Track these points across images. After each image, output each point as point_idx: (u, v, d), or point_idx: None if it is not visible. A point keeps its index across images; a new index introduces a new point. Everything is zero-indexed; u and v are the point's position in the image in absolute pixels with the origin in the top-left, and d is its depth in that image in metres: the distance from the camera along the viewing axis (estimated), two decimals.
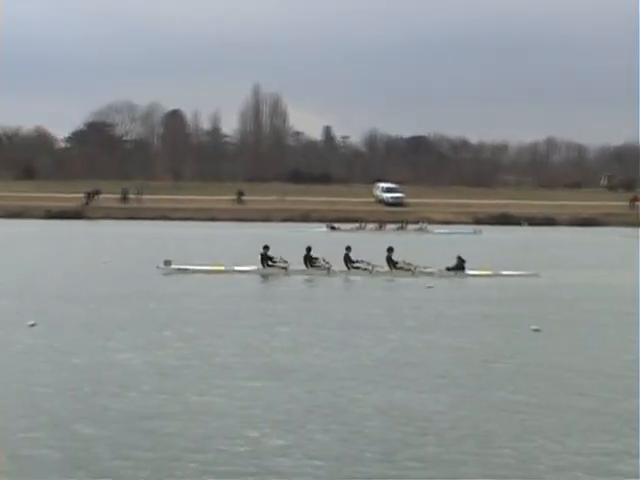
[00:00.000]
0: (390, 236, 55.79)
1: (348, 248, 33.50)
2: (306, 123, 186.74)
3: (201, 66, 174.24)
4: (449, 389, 15.25)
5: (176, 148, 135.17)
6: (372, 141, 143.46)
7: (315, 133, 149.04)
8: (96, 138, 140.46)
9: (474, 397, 14.74)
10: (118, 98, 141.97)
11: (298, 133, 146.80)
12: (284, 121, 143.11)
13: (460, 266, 33.04)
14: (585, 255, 46.25)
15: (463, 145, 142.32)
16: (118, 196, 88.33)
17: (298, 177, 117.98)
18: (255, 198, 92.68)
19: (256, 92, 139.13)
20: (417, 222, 72.30)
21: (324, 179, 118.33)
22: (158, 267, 32.24)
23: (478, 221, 79.06)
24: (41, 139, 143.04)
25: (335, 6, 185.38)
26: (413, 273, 32.73)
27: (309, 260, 33.40)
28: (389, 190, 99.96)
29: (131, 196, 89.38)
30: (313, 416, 13.48)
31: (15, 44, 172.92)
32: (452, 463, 11.46)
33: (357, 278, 32.33)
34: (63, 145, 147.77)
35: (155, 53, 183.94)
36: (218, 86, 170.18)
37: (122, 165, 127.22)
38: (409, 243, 48.20)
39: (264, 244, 33.65)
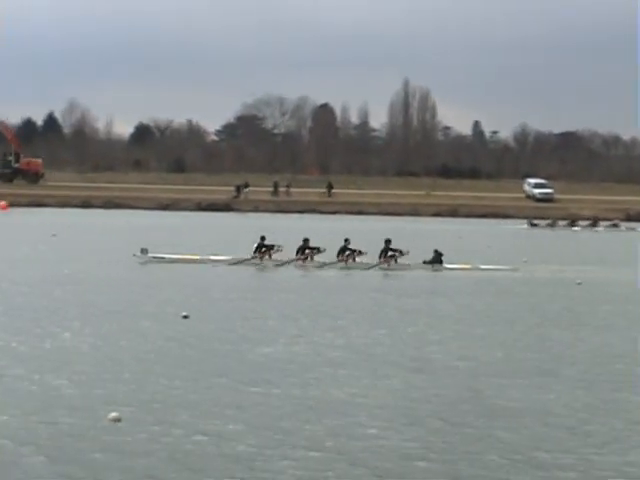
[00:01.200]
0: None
1: (346, 240, 33.76)
2: (455, 118, 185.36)
3: (350, 60, 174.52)
4: None
5: (324, 142, 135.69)
6: (522, 136, 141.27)
7: (464, 128, 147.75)
8: (246, 131, 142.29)
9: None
10: (268, 92, 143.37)
11: (447, 128, 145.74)
12: (433, 115, 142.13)
13: (437, 259, 33.41)
14: None
15: (615, 141, 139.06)
16: (267, 189, 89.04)
17: (446, 172, 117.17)
18: (403, 192, 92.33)
19: (405, 86, 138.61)
20: (565, 219, 70.84)
21: (473, 174, 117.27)
22: (135, 255, 32.46)
23: (629, 218, 76.91)
24: (192, 132, 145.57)
25: (482, 3, 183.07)
26: (389, 265, 33.05)
27: (302, 250, 33.72)
28: (539, 186, 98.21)
29: (280, 189, 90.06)
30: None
31: (173, 37, 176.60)
32: None
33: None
34: (213, 138, 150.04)
35: (305, 47, 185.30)
36: (367, 80, 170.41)
37: (271, 158, 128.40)
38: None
39: (261, 235, 34.00)
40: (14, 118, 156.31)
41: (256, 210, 77.44)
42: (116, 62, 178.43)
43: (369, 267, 32.91)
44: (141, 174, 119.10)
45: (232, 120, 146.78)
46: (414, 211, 78.75)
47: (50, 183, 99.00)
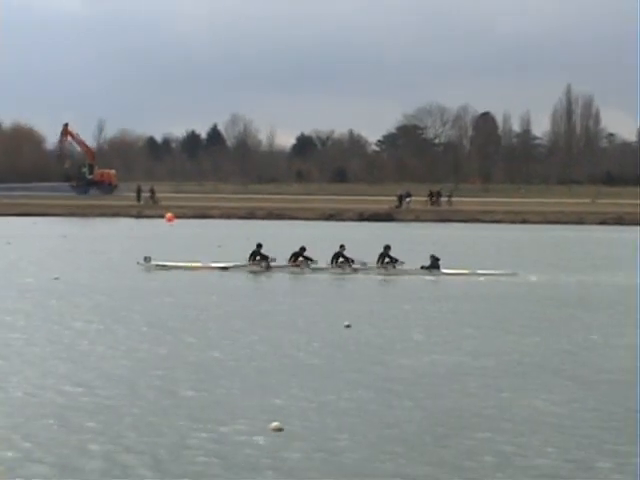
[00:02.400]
0: None
1: (341, 247, 34.02)
2: (619, 124, 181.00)
3: (511, 68, 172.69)
4: None
5: (486, 151, 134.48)
6: None
7: (629, 134, 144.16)
8: (407, 141, 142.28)
9: None
10: (429, 101, 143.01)
11: (611, 134, 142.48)
12: (596, 122, 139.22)
13: (434, 265, 33.37)
14: None
15: None
16: (428, 199, 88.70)
17: (610, 179, 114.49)
18: (566, 201, 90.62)
19: (568, 93, 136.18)
20: None
21: (638, 181, 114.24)
22: (138, 263, 33.20)
23: None
24: (353, 143, 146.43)
25: None
26: (387, 271, 33.31)
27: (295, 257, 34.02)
28: None
29: (442, 199, 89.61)
30: None
31: (332, 48, 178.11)
32: None
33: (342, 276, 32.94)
34: (374, 148, 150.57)
35: (465, 56, 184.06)
36: (528, 87, 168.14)
37: (432, 168, 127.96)
38: None
39: (258, 242, 34.46)
40: (179, 131, 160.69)
41: (417, 220, 77.16)
42: (277, 74, 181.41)
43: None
44: (303, 185, 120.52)
45: (393, 130, 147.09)
46: (579, 219, 76.99)
47: (215, 195, 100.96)
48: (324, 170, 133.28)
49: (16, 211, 75.57)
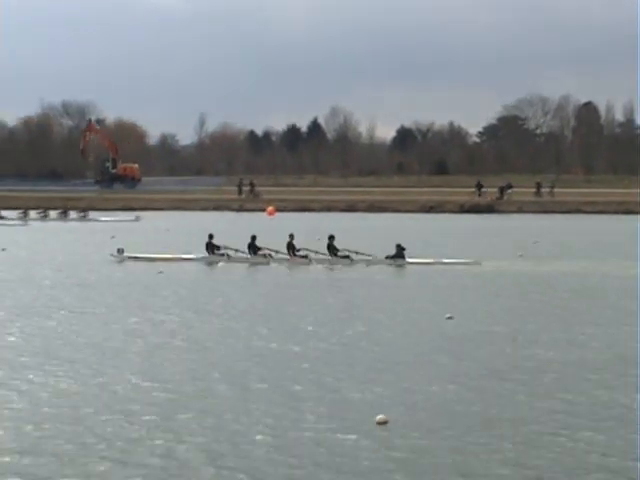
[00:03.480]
0: None
1: (291, 236, 34.44)
2: None
3: (614, 56, 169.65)
4: None
5: (588, 141, 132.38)
6: None
7: None
8: (507, 132, 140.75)
9: None
10: (529, 91, 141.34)
11: None
12: None
13: (400, 254, 33.28)
14: None
15: None
16: (530, 190, 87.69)
17: None
18: None
19: None
20: None
21: None
22: (112, 255, 34.45)
23: None
24: (453, 134, 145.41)
25: None
26: (352, 261, 33.39)
27: (252, 248, 34.53)
28: None
29: (543, 190, 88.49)
30: None
31: (431, 39, 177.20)
32: None
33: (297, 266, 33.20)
34: (475, 140, 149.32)
35: (565, 45, 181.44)
36: (632, 76, 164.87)
37: (533, 159, 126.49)
38: None
39: (209, 233, 35.02)
40: (279, 125, 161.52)
41: (520, 211, 76.38)
42: (376, 66, 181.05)
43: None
44: (404, 177, 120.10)
45: (493, 121, 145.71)
46: None
47: (315, 188, 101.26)
48: (424, 162, 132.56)
49: (119, 206, 76.81)
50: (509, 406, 13.66)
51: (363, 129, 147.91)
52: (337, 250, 34.12)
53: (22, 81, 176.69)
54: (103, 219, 62.54)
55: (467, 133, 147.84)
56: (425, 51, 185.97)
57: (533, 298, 25.63)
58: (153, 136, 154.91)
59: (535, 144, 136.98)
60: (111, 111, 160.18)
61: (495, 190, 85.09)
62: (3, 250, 39.26)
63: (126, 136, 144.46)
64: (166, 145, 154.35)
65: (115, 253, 34.54)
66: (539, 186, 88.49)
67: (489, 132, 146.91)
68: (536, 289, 27.60)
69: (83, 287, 27.34)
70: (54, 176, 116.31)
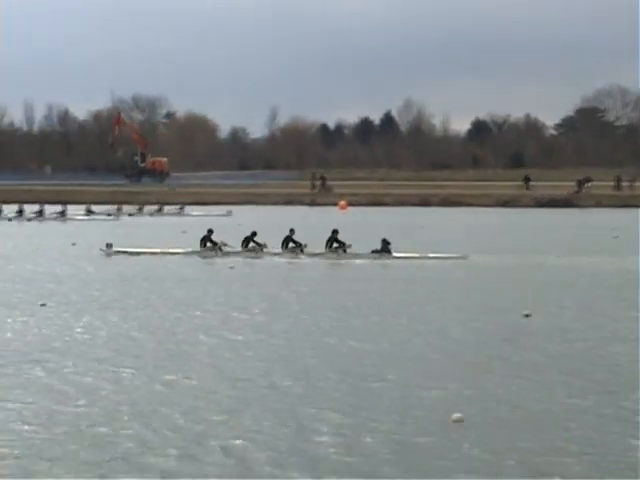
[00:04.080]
0: None
1: (291, 230, 34.61)
2: None
3: None
4: None
5: None
6: None
7: None
8: (586, 125, 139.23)
9: None
10: (608, 83, 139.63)
11: None
12: None
13: (385, 249, 33.43)
14: None
15: None
16: (609, 184, 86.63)
17: None
18: None
19: None
20: None
21: None
22: (100, 250, 35.02)
23: None
24: (530, 127, 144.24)
25: None
26: (338, 255, 33.52)
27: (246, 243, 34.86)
28: None
29: (624, 183, 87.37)
30: None
31: (505, 30, 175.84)
32: None
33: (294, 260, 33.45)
34: (552, 132, 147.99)
35: None
36: None
37: (613, 152, 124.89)
38: None
39: (208, 228, 35.62)
40: (351, 117, 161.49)
41: (598, 205, 75.52)
42: (451, 58, 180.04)
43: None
44: (479, 171, 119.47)
45: (571, 113, 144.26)
46: None
47: (388, 182, 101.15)
48: (500, 155, 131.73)
49: (191, 199, 77.46)
50: (585, 404, 13.44)
51: (437, 121, 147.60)
52: (343, 244, 34.09)
53: (93, 75, 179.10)
54: (195, 214, 63.32)
55: (544, 125, 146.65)
56: (502, 43, 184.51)
57: (613, 295, 25.24)
58: (224, 130, 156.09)
59: (614, 136, 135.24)
60: (182, 105, 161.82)
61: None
62: (73, 245, 39.73)
63: (197, 130, 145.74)
64: (237, 139, 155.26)
65: (104, 248, 35.13)
66: (619, 180, 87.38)
67: (567, 124, 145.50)
68: (618, 285, 27.20)
69: (154, 282, 27.55)
70: (123, 170, 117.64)
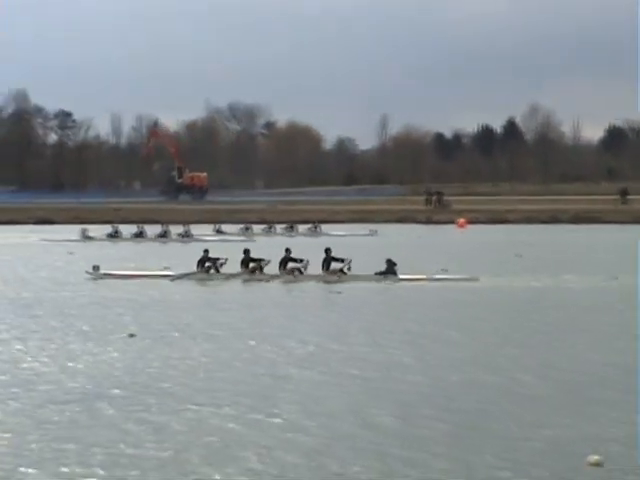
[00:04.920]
0: None
1: (287, 250, 35.21)
2: None
3: None
4: None
5: None
6: None
7: None
8: None
9: None
10: None
11: None
12: None
13: (390, 270, 33.74)
14: None
15: None
16: None
17: None
18: None
19: None
20: None
21: None
22: (87, 272, 35.52)
23: None
24: None
25: None
26: (339, 278, 33.84)
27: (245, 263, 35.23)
28: None
29: None
30: None
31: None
32: None
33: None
34: None
35: None
36: None
37: None
38: None
39: (204, 248, 36.49)
40: (470, 126, 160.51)
41: None
42: (580, 59, 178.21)
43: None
44: (614, 183, 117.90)
45: None
46: None
47: (513, 197, 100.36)
48: (638, 166, 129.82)
49: (297, 218, 77.69)
50: None
51: (566, 129, 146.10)
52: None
53: (185, 82, 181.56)
54: (335, 233, 62.67)
55: None
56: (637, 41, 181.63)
57: None
58: (329, 140, 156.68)
59: None
60: (282, 113, 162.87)
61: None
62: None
63: (299, 140, 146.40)
64: (343, 150, 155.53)
65: (90, 270, 35.69)
66: None
67: None
68: None
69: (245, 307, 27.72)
70: (220, 187, 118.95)
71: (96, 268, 35.92)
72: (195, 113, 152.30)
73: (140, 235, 60.41)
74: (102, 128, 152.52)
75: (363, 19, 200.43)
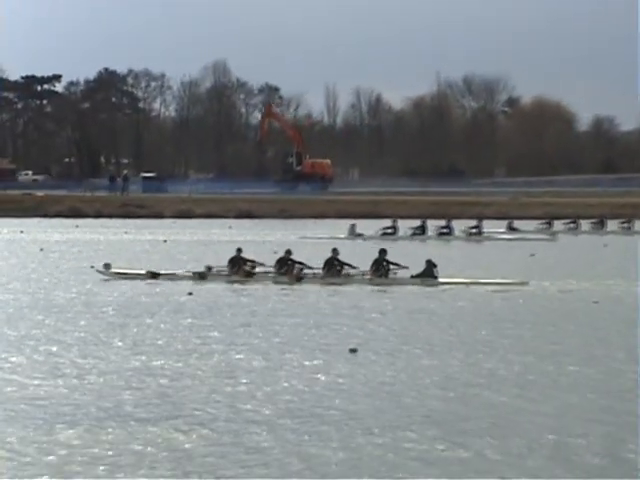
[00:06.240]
0: None
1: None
2: None
3: None
4: None
5: None
6: None
7: None
8: None
9: None
10: None
11: None
12: None
13: (429, 272, 34.48)
14: None
15: None
16: None
17: None
18: None
19: None
20: None
21: None
22: (97, 270, 37.41)
23: None
24: None
25: None
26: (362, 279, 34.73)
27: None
28: None
29: None
30: None
31: None
32: None
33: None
34: None
35: None
36: None
37: None
38: None
39: (238, 247, 36.88)
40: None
41: None
42: None
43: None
44: None
45: None
46: None
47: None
48: None
49: (541, 212, 76.24)
50: None
51: None
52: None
53: (411, 50, 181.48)
54: None
55: None
56: None
57: None
58: (584, 120, 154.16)
59: None
60: (528, 88, 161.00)
61: None
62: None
63: (547, 120, 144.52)
64: (601, 132, 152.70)
65: (101, 269, 37.22)
66: None
67: None
68: None
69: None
70: (453, 173, 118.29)
71: (107, 266, 36.97)
72: (424, 88, 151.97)
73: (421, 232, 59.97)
74: (315, 105, 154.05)
75: None
